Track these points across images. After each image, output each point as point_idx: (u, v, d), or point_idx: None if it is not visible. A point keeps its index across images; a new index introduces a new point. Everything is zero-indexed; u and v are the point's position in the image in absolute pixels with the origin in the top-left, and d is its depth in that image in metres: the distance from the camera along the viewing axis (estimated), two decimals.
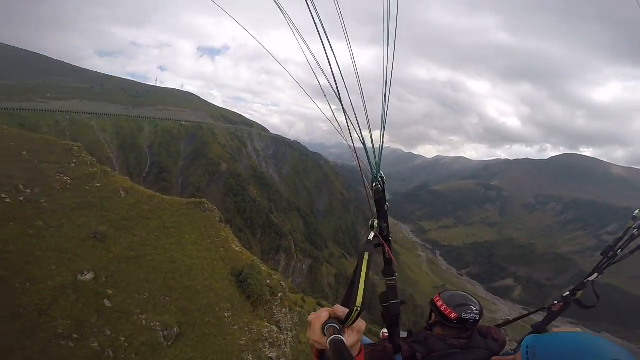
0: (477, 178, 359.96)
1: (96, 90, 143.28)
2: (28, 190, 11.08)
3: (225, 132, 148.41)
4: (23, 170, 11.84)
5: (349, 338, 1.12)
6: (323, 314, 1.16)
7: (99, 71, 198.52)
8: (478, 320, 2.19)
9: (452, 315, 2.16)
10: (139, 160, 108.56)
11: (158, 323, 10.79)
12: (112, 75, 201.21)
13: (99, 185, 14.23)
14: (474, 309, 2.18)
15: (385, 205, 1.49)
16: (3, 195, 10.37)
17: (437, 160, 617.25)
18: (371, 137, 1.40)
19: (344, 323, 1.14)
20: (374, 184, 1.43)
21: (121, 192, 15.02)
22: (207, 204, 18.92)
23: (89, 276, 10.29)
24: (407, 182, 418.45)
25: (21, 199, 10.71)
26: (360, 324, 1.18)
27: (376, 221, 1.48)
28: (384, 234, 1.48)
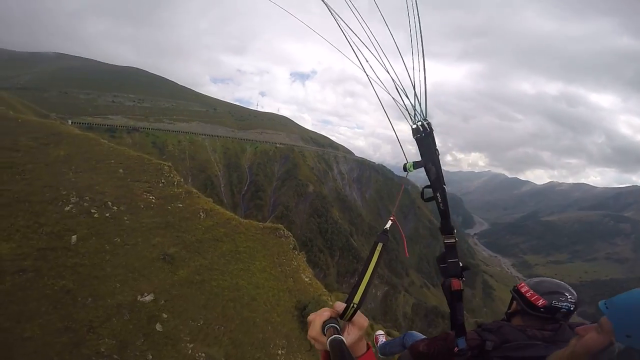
0: (604, 208, 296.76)
1: (210, 113, 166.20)
2: (115, 207, 11.95)
3: (313, 154, 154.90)
4: (115, 187, 13.00)
5: (349, 336, 1.11)
6: (324, 312, 1.14)
7: (212, 96, 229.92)
8: (572, 312, 1.89)
9: (540, 302, 1.89)
10: (240, 179, 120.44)
11: (203, 354, 10.08)
12: (223, 100, 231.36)
13: (180, 205, 14.89)
14: (569, 297, 1.87)
15: (436, 151, 1.40)
16: (92, 211, 11.32)
17: (551, 187, 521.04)
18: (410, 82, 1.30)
19: (341, 317, 1.13)
20: (414, 124, 1.36)
21: (201, 213, 15.49)
22: (283, 230, 18.27)
23: (148, 297, 10.26)
24: (510, 212, 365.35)
25: (107, 214, 11.55)
26: (362, 320, 1.15)
27: (409, 164, 1.42)
28: (432, 178, 1.42)
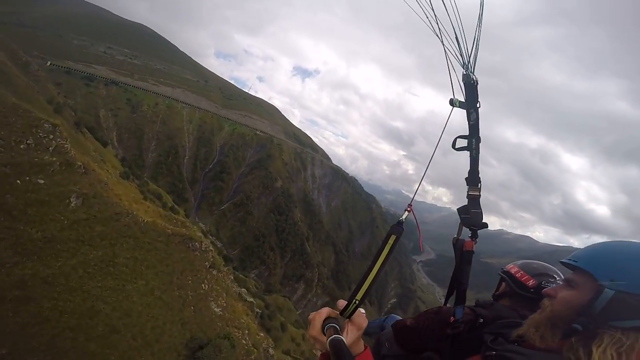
0: (538, 260, 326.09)
1: (199, 84, 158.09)
2: None
3: (291, 150, 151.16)
4: None
5: (348, 336, 1.08)
6: (324, 312, 1.13)
7: (210, 69, 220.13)
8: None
9: (530, 283, 1.92)
10: (208, 156, 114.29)
11: None
12: (219, 75, 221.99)
13: (41, 181, 11.41)
14: (557, 278, 1.92)
15: (478, 103, 1.50)
16: None
17: (499, 233, 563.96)
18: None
19: (342, 314, 1.11)
20: (464, 76, 1.46)
21: (72, 199, 11.88)
22: (201, 243, 14.91)
23: None
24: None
25: None
26: (362, 320, 1.13)
27: (456, 99, 1.46)
28: (471, 123, 1.49)
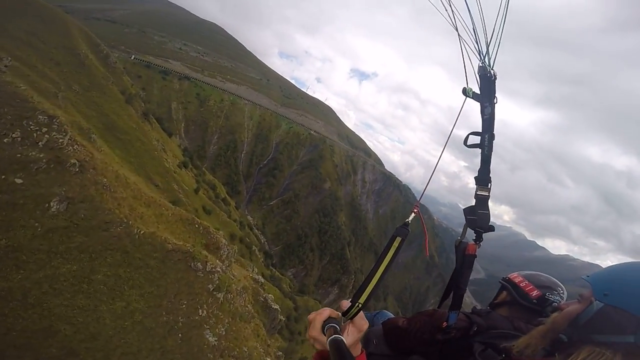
0: None
1: (262, 82, 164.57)
2: None
3: (343, 152, 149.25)
4: None
5: (349, 337, 1.07)
6: (325, 312, 1.11)
7: (272, 68, 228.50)
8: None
9: (534, 294, 1.84)
10: (264, 152, 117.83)
11: None
12: (281, 74, 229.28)
13: (19, 181, 10.50)
14: (561, 292, 1.86)
15: (495, 99, 1.44)
16: None
17: (564, 259, 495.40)
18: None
19: (344, 315, 1.10)
20: (480, 68, 1.41)
21: (53, 204, 10.75)
22: (205, 263, 13.25)
23: None
24: (512, 270, 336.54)
25: None
26: (363, 323, 1.12)
27: (469, 88, 1.41)
28: (485, 117, 1.44)
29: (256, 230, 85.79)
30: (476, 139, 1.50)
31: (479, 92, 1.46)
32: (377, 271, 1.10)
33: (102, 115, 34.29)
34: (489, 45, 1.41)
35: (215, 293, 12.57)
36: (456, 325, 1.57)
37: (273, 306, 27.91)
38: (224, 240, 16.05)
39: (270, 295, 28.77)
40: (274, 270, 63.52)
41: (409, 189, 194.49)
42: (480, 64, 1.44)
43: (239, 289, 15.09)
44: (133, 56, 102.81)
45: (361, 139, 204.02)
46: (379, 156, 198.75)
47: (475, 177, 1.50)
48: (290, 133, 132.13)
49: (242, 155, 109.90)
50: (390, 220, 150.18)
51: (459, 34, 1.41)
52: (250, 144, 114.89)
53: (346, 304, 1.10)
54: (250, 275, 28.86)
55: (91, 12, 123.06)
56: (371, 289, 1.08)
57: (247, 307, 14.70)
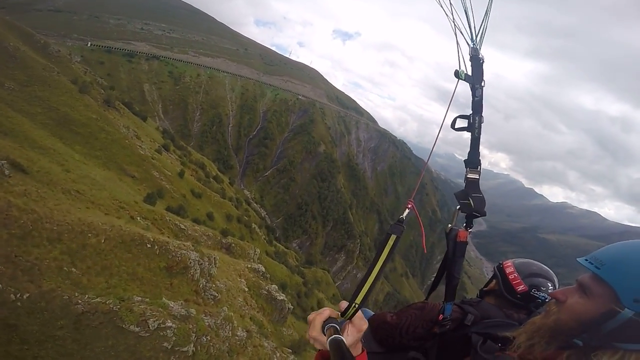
0: (605, 241, 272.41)
1: (240, 52, 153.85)
2: None
3: (334, 114, 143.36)
4: None
5: (349, 337, 1.07)
6: (325, 312, 1.11)
7: (250, 37, 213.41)
8: (546, 302, 1.74)
9: (520, 288, 1.76)
10: (251, 123, 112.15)
11: None
12: (260, 43, 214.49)
13: None
14: (550, 286, 1.76)
15: (483, 81, 1.43)
16: None
17: (562, 207, 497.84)
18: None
19: (342, 315, 1.10)
20: (471, 50, 1.42)
21: None
22: (147, 321, 9.38)
23: None
24: (512, 220, 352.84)
25: None
26: (362, 323, 1.11)
27: (462, 70, 1.41)
28: (475, 98, 1.43)
29: (255, 205, 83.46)
30: (464, 122, 1.46)
31: (470, 74, 1.44)
32: (372, 270, 1.08)
33: (50, 110, 29.68)
34: (480, 29, 1.41)
35: (179, 348, 9.09)
36: (451, 316, 1.56)
37: (279, 297, 25.67)
38: (194, 255, 12.59)
39: (273, 285, 26.43)
40: (278, 245, 61.89)
41: (404, 143, 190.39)
42: (472, 46, 1.43)
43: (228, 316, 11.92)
44: (89, 43, 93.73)
45: (351, 98, 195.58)
46: (371, 114, 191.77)
47: (464, 160, 1.44)
48: (277, 100, 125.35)
49: (229, 128, 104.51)
50: (389, 177, 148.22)
51: (453, 20, 1.42)
52: (236, 117, 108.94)
53: (345, 304, 1.10)
54: (249, 266, 26.24)
55: (31, 4, 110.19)
56: (367, 288, 1.07)
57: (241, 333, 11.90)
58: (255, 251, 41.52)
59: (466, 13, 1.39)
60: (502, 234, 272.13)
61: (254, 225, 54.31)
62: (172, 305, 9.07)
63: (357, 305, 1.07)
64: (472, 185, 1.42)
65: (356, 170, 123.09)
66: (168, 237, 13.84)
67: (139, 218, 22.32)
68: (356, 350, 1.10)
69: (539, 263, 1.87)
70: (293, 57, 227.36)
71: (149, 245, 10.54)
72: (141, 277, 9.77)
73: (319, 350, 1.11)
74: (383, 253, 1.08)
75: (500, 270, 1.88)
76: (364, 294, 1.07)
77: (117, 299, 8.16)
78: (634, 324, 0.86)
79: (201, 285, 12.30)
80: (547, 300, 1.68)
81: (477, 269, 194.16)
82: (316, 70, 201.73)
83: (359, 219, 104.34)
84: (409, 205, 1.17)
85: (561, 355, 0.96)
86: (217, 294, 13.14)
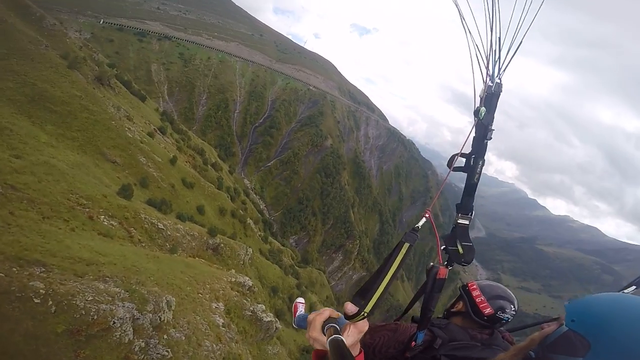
0: (600, 256, 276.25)
1: (254, 38, 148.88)
2: None
3: (345, 108, 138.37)
4: None
5: (349, 338, 1.08)
6: (325, 312, 1.11)
7: (266, 24, 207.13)
8: (508, 322, 1.89)
9: (487, 311, 1.83)
10: (259, 110, 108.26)
11: None
12: (276, 30, 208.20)
13: None
14: (512, 308, 1.86)
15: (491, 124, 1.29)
16: None
17: (563, 220, 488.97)
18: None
19: (348, 318, 1.09)
20: (486, 84, 1.29)
21: None
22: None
23: None
24: (512, 229, 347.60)
25: None
26: (363, 324, 1.11)
27: (483, 109, 1.28)
28: (480, 139, 1.30)
29: (254, 195, 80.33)
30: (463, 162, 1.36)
31: (483, 107, 1.31)
32: (384, 279, 1.05)
33: (24, 86, 26.41)
34: (500, 65, 1.25)
35: None
36: (422, 343, 1.62)
37: (265, 319, 22.44)
38: (124, 309, 8.84)
39: (260, 305, 23.18)
40: (274, 241, 58.75)
41: (413, 143, 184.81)
42: (493, 83, 1.29)
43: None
44: (102, 20, 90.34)
45: (364, 93, 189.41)
46: (381, 111, 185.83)
47: (457, 204, 1.37)
48: (287, 89, 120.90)
49: (235, 114, 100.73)
50: (394, 177, 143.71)
51: (476, 48, 1.27)
52: (243, 103, 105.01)
53: (351, 307, 1.07)
54: (233, 280, 22.96)
55: None
56: (377, 297, 1.04)
57: None
58: (247, 251, 38.28)
59: (491, 45, 1.23)
60: (500, 242, 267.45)
61: (249, 220, 51.14)
62: None
63: (365, 315, 1.06)
64: (463, 232, 1.36)
65: (362, 168, 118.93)
66: (78, 285, 9.29)
67: (102, 217, 19.05)
68: (355, 351, 1.10)
69: (502, 285, 1.92)
70: (307, 47, 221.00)
71: (37, 300, 7.25)
72: (20, 352, 6.54)
73: (315, 349, 1.11)
74: (395, 262, 1.06)
75: (466, 292, 1.91)
76: (374, 302, 1.05)
77: None
78: (566, 338, 1.04)
79: (137, 348, 8.92)
80: (509, 321, 1.80)
81: (472, 276, 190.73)
82: (330, 62, 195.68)
83: (359, 218, 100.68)
84: (427, 215, 1.14)
85: None
86: (166, 352, 9.75)
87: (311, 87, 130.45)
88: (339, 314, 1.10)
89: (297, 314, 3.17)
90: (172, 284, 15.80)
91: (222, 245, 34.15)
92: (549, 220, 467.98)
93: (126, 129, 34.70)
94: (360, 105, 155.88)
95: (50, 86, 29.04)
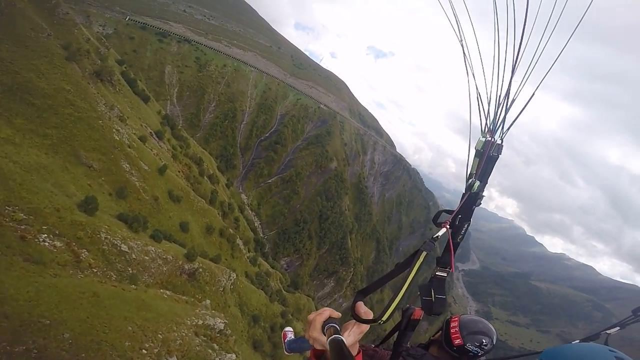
0: (593, 294, 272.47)
1: (272, 50, 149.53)
2: None
3: (354, 130, 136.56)
4: None
5: (348, 338, 1.08)
6: (325, 312, 1.11)
7: (286, 37, 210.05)
8: (480, 356, 1.95)
9: (457, 342, 1.94)
10: (266, 124, 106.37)
11: None
12: (293, 44, 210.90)
13: None
14: (484, 342, 1.91)
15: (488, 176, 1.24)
16: None
17: (559, 258, 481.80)
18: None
19: (361, 321, 1.08)
20: (485, 139, 1.22)
21: None
22: None
23: None
24: (507, 263, 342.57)
25: None
26: (366, 326, 1.12)
27: (477, 184, 1.25)
28: (469, 204, 1.26)
29: (249, 212, 76.69)
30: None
31: (477, 170, 1.26)
32: (402, 287, 1.06)
33: (5, 73, 23.74)
34: (505, 122, 1.20)
35: None
36: None
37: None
38: None
39: (229, 355, 19.31)
40: (264, 263, 54.56)
41: (417, 172, 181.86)
42: (484, 139, 1.26)
43: None
44: (128, 17, 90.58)
45: (374, 117, 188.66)
46: (390, 136, 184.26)
47: (437, 258, 1.36)
48: (297, 105, 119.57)
49: (242, 125, 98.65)
50: (396, 205, 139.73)
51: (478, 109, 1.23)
52: (251, 114, 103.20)
53: (365, 310, 1.07)
54: (201, 323, 19.19)
55: None
56: (394, 305, 1.06)
57: None
58: (229, 276, 34.36)
59: (489, 104, 1.17)
60: (494, 276, 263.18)
61: (238, 240, 47.34)
62: None
63: (381, 323, 1.06)
64: (439, 285, 1.36)
65: (364, 194, 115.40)
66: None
67: (43, 237, 15.57)
68: (354, 351, 1.12)
69: (484, 321, 1.99)
70: (323, 65, 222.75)
71: None
72: None
73: (313, 349, 1.10)
74: (413, 270, 1.06)
75: (447, 323, 2.02)
76: (390, 312, 1.04)
77: None
78: None
79: None
80: (479, 354, 1.87)
81: (462, 307, 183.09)
82: (343, 82, 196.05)
83: (356, 245, 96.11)
84: (446, 226, 1.12)
85: None
86: None
87: (322, 106, 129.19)
88: (339, 314, 1.10)
89: (287, 339, 2.49)
90: (100, 340, 12.13)
91: (200, 269, 30.40)
92: (544, 257, 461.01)
93: (114, 130, 31.78)
94: (369, 129, 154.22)
95: (36, 76, 26.42)
